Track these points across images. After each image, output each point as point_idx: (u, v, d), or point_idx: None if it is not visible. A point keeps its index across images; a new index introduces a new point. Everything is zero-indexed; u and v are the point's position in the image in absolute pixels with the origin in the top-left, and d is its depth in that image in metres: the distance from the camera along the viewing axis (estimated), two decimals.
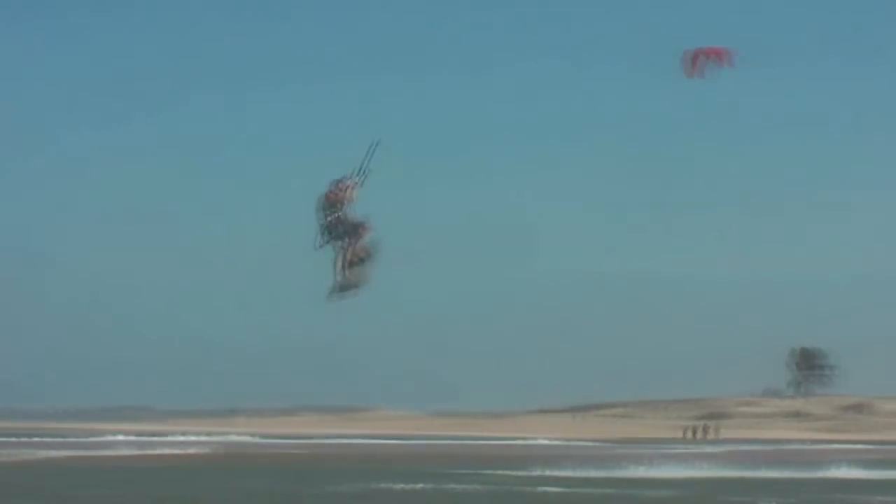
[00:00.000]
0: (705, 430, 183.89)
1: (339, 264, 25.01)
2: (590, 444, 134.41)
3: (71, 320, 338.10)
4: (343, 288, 25.19)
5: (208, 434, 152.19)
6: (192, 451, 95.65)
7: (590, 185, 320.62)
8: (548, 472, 62.78)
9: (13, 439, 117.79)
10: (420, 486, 51.72)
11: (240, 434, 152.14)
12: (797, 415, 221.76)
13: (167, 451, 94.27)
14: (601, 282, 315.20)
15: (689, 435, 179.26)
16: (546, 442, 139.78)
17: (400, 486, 51.49)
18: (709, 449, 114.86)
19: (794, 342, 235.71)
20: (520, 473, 62.38)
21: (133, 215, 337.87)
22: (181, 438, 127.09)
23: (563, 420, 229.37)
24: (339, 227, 24.86)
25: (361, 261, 25.08)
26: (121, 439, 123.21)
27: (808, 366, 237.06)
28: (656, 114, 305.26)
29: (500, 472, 63.94)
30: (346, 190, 24.86)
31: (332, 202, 24.84)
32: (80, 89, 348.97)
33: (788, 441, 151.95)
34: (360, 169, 24.93)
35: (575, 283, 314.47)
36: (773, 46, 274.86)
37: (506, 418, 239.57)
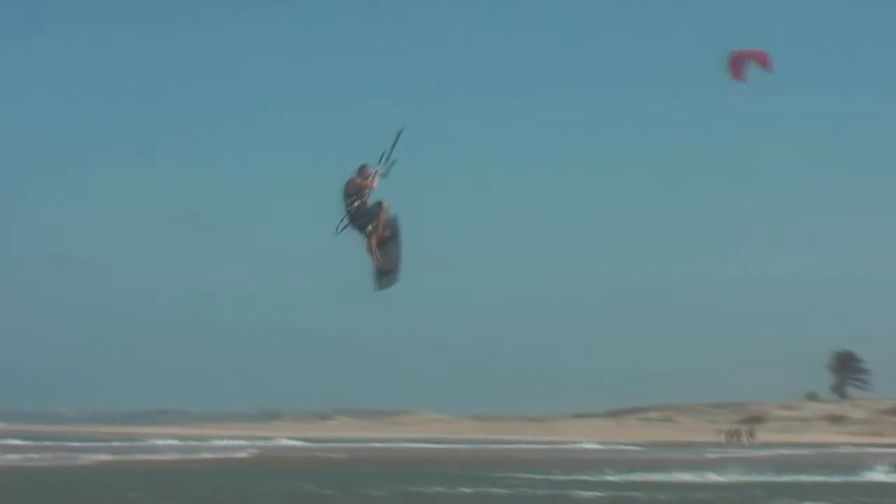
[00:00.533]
0: (748, 433, 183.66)
1: (371, 249, 24.92)
2: (634, 447, 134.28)
3: (106, 323, 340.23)
4: (382, 274, 25.09)
5: (250, 438, 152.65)
6: (238, 454, 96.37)
7: (627, 185, 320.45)
8: (594, 477, 63.16)
9: (51, 443, 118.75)
10: (463, 489, 51.96)
11: (286, 438, 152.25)
12: (837, 418, 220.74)
13: (212, 455, 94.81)
14: (639, 285, 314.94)
15: (731, 439, 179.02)
16: (592, 446, 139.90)
17: (440, 489, 51.76)
18: (751, 453, 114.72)
19: (834, 345, 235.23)
20: (564, 478, 62.62)
21: (167, 216, 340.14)
22: (227, 442, 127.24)
23: (603, 424, 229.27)
24: (363, 214, 24.76)
25: (388, 239, 24.98)
26: (169, 443, 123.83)
27: (848, 369, 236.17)
28: (696, 112, 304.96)
29: (543, 476, 64.17)
30: (369, 178, 24.67)
31: (356, 189, 24.71)
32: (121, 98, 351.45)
33: (829, 445, 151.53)
34: (384, 157, 24.67)
35: (613, 286, 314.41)
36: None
37: (545, 422, 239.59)
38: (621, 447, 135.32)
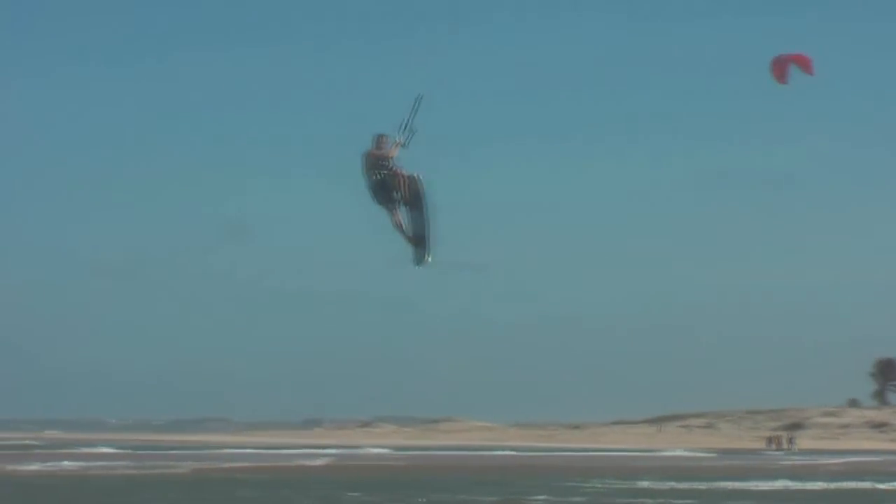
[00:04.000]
0: (788, 440, 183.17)
1: (397, 223, 23.75)
2: (701, 454, 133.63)
3: (145, 333, 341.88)
4: (417, 245, 23.84)
5: (323, 446, 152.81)
6: (317, 462, 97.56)
7: (665, 193, 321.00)
8: (683, 484, 64.10)
9: (123, 451, 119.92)
10: (574, 499, 52.90)
11: (374, 447, 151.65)
12: (878, 425, 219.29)
13: (287, 462, 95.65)
14: (679, 292, 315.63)
15: (773, 446, 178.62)
16: (640, 453, 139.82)
17: (494, 498, 52.43)
18: (796, 460, 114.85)
19: (876, 352, 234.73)
20: (651, 485, 63.38)
21: (209, 223, 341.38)
22: (306, 451, 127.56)
23: (644, 431, 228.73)
24: (388, 185, 23.58)
25: (416, 202, 23.78)
26: (245, 452, 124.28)
27: (889, 376, 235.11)
28: (734, 117, 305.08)
29: (626, 483, 65.01)
30: (388, 148, 23.49)
31: (376, 160, 23.50)
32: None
33: (871, 452, 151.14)
34: (404, 126, 23.52)
35: (652, 294, 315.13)
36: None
37: (585, 429, 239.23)
38: (684, 454, 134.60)
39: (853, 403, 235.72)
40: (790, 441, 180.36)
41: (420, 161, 23.23)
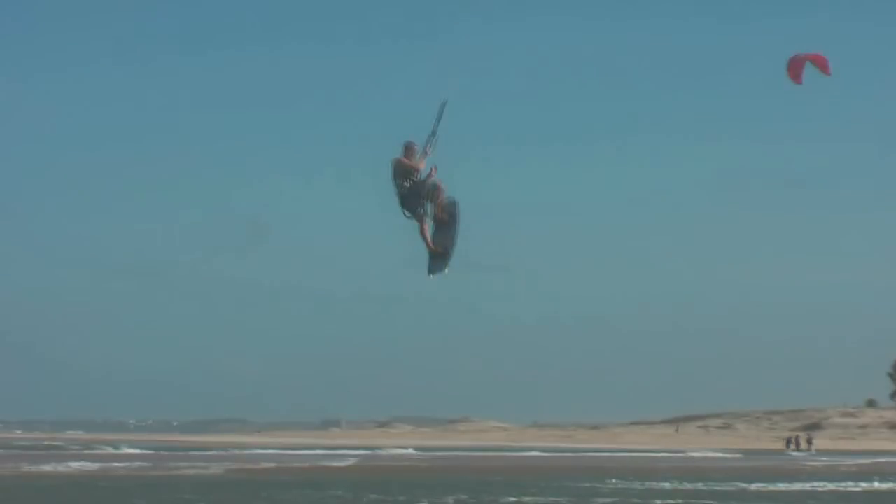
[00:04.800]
0: (807, 440, 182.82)
1: (423, 233, 24.09)
2: (730, 455, 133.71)
3: (165, 334, 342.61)
4: (435, 257, 24.17)
5: (347, 447, 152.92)
6: (345, 463, 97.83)
7: (681, 193, 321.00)
8: (723, 486, 64.34)
9: (149, 451, 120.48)
10: (575, 498, 53.04)
11: (398, 447, 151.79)
12: None
13: (310, 463, 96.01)
14: (697, 293, 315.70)
15: (792, 446, 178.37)
16: (665, 454, 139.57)
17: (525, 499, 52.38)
18: (823, 460, 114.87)
19: (894, 352, 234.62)
20: (695, 486, 63.65)
21: (227, 224, 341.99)
22: (332, 452, 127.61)
23: (662, 431, 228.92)
24: (415, 195, 23.79)
25: (444, 222, 24.17)
26: (268, 453, 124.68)
27: None
28: (754, 118, 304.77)
29: (673, 484, 65.29)
30: (416, 156, 23.77)
31: (405, 169, 23.73)
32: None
33: (888, 453, 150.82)
34: (431, 133, 23.70)
35: (670, 294, 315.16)
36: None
37: (603, 429, 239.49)
38: (710, 455, 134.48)
39: (871, 404, 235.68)
40: (809, 442, 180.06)
41: (436, 161, 23.51)
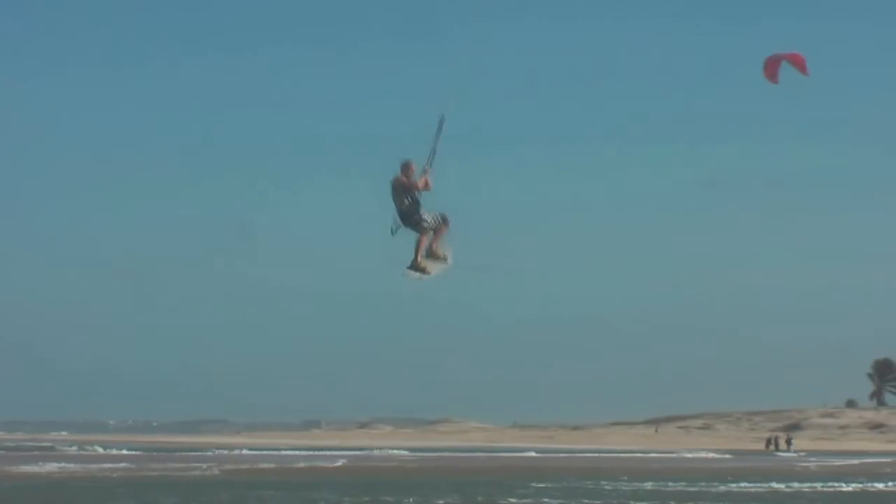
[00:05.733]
0: (786, 441, 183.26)
1: (419, 248, 24.33)
2: (696, 456, 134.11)
3: (146, 335, 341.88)
4: (417, 269, 24.41)
5: (337, 448, 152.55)
6: (336, 463, 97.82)
7: (663, 194, 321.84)
8: (675, 486, 64.51)
9: (140, 453, 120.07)
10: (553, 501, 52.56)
11: (388, 448, 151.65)
12: (877, 426, 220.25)
13: (316, 464, 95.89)
14: (677, 293, 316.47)
15: (772, 447, 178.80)
16: (656, 454, 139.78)
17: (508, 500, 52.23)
18: (814, 461, 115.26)
19: (875, 353, 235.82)
20: (686, 488, 63.65)
21: (207, 224, 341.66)
22: (321, 453, 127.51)
23: (642, 432, 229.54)
24: (415, 212, 24.06)
25: (442, 255, 24.45)
26: (265, 454, 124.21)
27: (887, 377, 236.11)
28: (729, 118, 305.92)
29: (659, 484, 65.52)
30: (415, 175, 23.90)
31: (404, 187, 23.95)
32: None
33: (883, 453, 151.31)
34: (431, 151, 23.75)
35: (650, 295, 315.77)
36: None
37: (584, 430, 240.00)
38: (699, 455, 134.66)
39: (851, 404, 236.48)
40: (788, 442, 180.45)
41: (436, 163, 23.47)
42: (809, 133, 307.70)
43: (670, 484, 66.42)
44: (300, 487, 61.43)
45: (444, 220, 24.42)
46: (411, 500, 51.80)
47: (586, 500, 52.98)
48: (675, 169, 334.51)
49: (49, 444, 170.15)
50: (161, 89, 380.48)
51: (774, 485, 66.58)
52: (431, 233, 24.32)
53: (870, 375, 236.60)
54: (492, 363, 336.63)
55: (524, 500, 52.56)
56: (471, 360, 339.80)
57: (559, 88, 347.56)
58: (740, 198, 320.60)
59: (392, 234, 24.05)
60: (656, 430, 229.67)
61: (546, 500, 52.98)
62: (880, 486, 66.99)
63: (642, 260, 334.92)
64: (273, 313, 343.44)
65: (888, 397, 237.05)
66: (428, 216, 24.24)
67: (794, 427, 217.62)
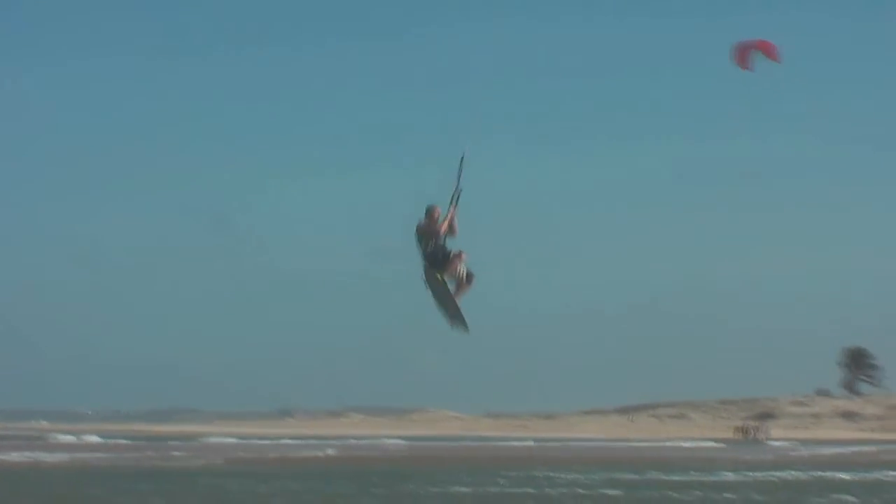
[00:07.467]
0: (757, 430, 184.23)
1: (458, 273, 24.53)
2: (685, 445, 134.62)
3: (118, 325, 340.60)
4: (455, 317, 24.90)
5: (321, 437, 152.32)
6: (326, 452, 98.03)
7: (638, 185, 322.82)
8: (675, 477, 64.84)
9: (134, 442, 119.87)
10: (525, 489, 52.61)
11: (382, 438, 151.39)
12: (849, 415, 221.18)
13: (308, 454, 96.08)
14: (648, 282, 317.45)
15: (743, 436, 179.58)
16: (643, 443, 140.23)
17: (484, 489, 52.32)
18: (804, 450, 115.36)
19: (846, 342, 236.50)
20: (667, 477, 64.00)
21: (184, 214, 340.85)
22: (310, 442, 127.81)
23: (615, 421, 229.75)
24: (440, 254, 24.34)
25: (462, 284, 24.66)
26: (227, 442, 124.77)
27: (859, 365, 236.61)
28: (707, 111, 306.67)
29: (637, 475, 65.91)
30: (438, 220, 24.21)
31: (428, 233, 24.28)
32: None
33: (845, 442, 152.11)
34: (455, 195, 24.18)
35: (620, 284, 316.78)
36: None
37: (557, 419, 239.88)
38: (688, 445, 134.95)
39: (823, 393, 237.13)
40: (760, 430, 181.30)
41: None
42: (780, 126, 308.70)
43: (692, 473, 66.76)
44: (300, 478, 61.41)
45: (469, 279, 24.70)
46: (434, 489, 52.07)
47: (647, 491, 52.64)
48: (646, 162, 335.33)
49: (24, 433, 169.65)
50: (161, 88, 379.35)
51: (777, 473, 67.07)
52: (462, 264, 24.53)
53: (841, 364, 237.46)
54: (464, 353, 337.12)
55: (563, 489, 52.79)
56: (444, 350, 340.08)
57: (530, 83, 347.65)
58: (713, 190, 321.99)
59: (424, 285, 24.45)
60: (631, 420, 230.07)
61: (580, 490, 52.92)
62: (877, 475, 67.54)
63: (614, 251, 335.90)
64: (244, 302, 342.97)
65: (860, 385, 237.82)
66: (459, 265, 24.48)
67: (767, 416, 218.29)
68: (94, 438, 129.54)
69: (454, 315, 24.75)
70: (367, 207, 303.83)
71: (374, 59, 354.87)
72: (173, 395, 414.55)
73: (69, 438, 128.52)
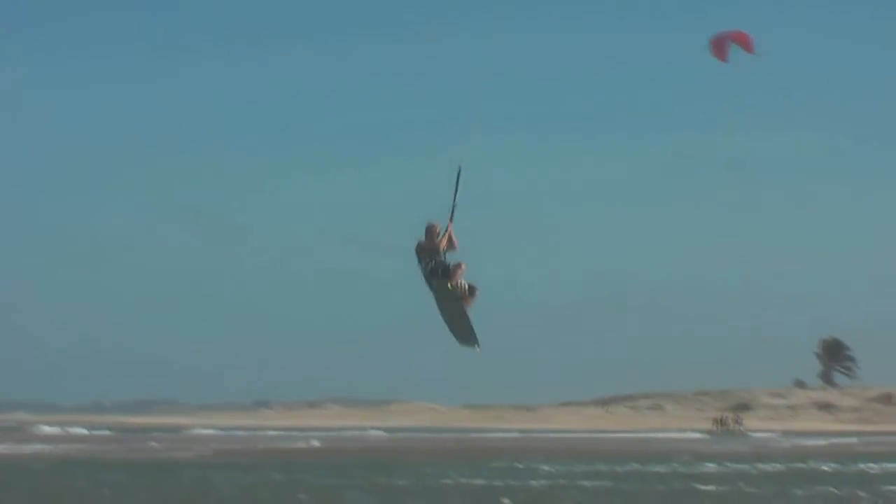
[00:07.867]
0: (735, 421, 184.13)
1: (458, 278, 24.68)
2: (671, 436, 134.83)
3: (99, 317, 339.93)
4: (463, 334, 25.11)
5: (305, 428, 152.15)
6: (311, 444, 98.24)
7: (625, 180, 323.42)
8: (674, 468, 65.41)
9: (123, 434, 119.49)
10: (501, 482, 52.71)
11: (364, 429, 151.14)
12: (825, 406, 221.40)
13: (292, 445, 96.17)
14: (626, 274, 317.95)
15: (718, 427, 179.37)
16: (631, 434, 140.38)
17: (465, 481, 52.53)
18: (791, 442, 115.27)
19: (822, 333, 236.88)
20: (656, 469, 64.28)
21: (162, 208, 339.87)
22: (293, 434, 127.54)
23: (593, 412, 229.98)
24: (441, 269, 24.53)
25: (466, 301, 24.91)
26: (209, 433, 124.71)
27: (835, 357, 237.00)
28: (695, 106, 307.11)
29: (633, 468, 66.38)
30: (438, 237, 24.48)
31: (428, 251, 24.53)
32: None
33: (824, 434, 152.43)
34: (451, 207, 24.48)
35: (598, 275, 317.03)
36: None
37: (534, 410, 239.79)
38: (674, 436, 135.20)
39: (799, 384, 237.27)
40: (737, 422, 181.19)
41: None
42: (764, 121, 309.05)
43: (675, 465, 66.90)
44: (293, 469, 61.36)
45: (472, 292, 24.86)
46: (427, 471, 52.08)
47: (634, 484, 52.94)
48: (626, 156, 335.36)
49: (3, 423, 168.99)
50: (161, 88, 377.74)
51: (760, 465, 67.35)
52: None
53: (817, 355, 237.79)
54: (440, 345, 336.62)
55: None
56: (420, 341, 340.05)
57: (518, 80, 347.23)
58: (693, 184, 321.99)
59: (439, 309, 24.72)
60: (607, 411, 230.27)
61: (583, 482, 53.18)
62: (860, 466, 67.88)
63: (590, 243, 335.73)
64: (221, 294, 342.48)
65: (836, 377, 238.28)
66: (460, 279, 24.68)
67: (744, 407, 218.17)
68: (80, 430, 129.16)
69: (466, 332, 24.97)
70: (367, 207, 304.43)
71: (374, 58, 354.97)
72: (151, 387, 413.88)
73: (54, 430, 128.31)
